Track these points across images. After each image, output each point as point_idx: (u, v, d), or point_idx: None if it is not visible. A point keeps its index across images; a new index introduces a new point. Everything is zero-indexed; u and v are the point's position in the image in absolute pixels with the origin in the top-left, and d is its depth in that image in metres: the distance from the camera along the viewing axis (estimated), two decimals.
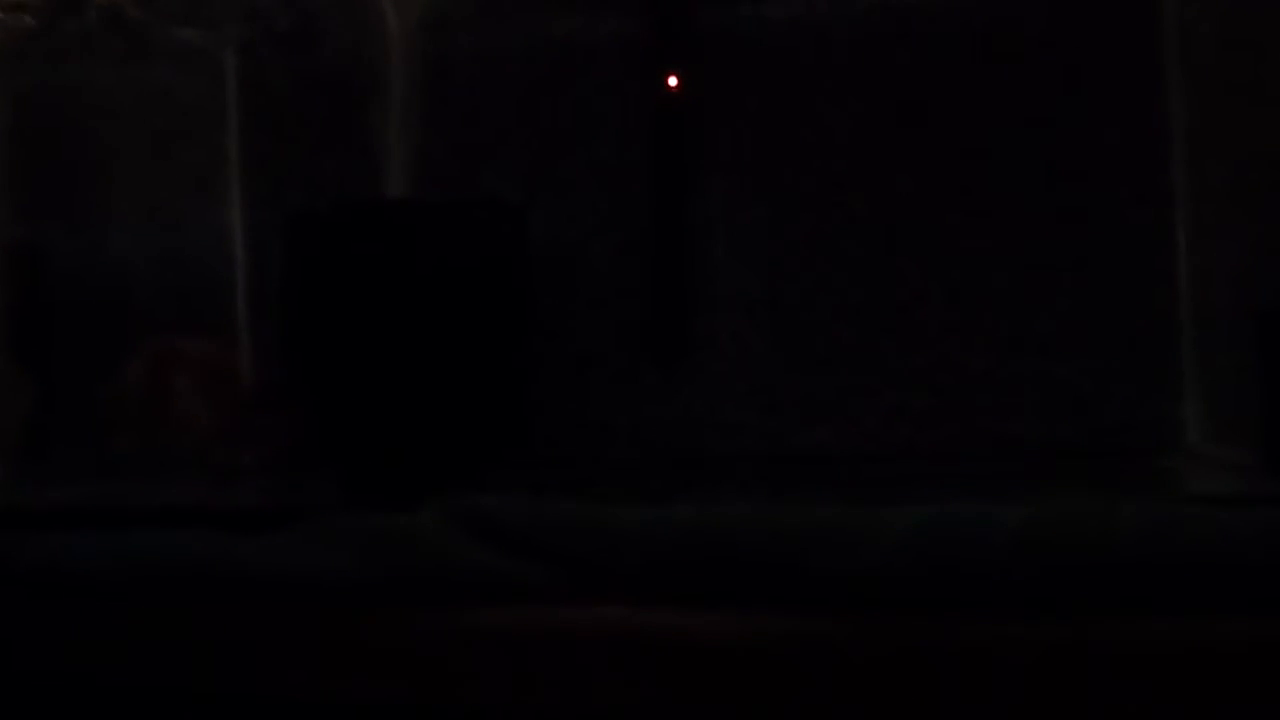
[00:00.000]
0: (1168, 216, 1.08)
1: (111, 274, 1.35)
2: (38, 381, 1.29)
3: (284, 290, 1.16)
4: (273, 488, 1.14)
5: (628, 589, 0.79)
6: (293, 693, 0.84)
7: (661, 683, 0.75)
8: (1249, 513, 0.71)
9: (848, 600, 0.74)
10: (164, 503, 1.09)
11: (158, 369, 1.18)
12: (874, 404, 1.15)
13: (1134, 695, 0.67)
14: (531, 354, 1.17)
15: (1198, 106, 1.07)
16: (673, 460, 1.19)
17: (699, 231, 1.20)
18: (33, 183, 1.34)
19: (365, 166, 1.26)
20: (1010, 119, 1.12)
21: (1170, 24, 1.08)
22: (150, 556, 0.89)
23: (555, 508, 0.84)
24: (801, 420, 1.17)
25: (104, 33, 1.33)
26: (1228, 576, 0.69)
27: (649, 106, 1.21)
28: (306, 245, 1.15)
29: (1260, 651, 0.66)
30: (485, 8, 1.25)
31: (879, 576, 0.74)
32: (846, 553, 0.75)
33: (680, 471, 1.18)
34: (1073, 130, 1.11)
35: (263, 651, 0.85)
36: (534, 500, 0.85)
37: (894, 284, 1.15)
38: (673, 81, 1.20)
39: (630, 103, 1.21)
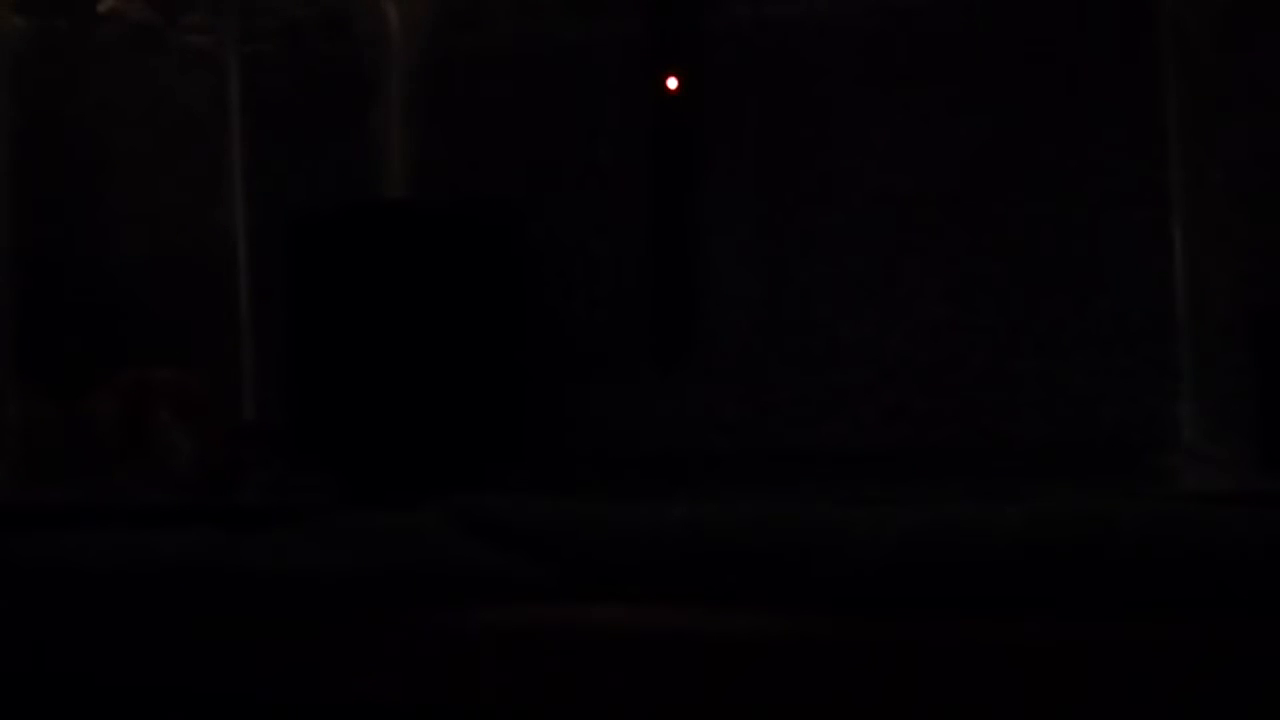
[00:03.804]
0: (1165, 217, 1.08)
1: (114, 275, 1.36)
2: (41, 383, 1.29)
3: (286, 290, 1.16)
4: (273, 488, 1.14)
5: (628, 589, 0.80)
6: (293, 693, 0.84)
7: (661, 682, 0.76)
8: (1246, 510, 0.71)
9: (848, 600, 0.74)
10: (164, 502, 1.09)
11: (136, 402, 1.17)
12: (873, 403, 1.15)
13: (1134, 693, 0.67)
14: (531, 354, 1.17)
15: (1196, 107, 1.07)
16: (673, 459, 1.19)
17: (699, 231, 1.20)
18: (37, 185, 1.35)
19: (365, 167, 1.26)
20: (1010, 119, 1.12)
21: (1169, 24, 1.08)
22: (150, 556, 0.89)
23: (555, 508, 0.84)
24: (801, 419, 1.17)
25: (109, 36, 1.33)
26: (1225, 573, 0.69)
27: (649, 106, 1.21)
28: (308, 246, 1.15)
29: (1258, 648, 0.66)
30: (485, 8, 1.25)
31: (879, 576, 0.74)
32: (846, 552, 0.75)
33: (680, 470, 1.18)
34: (1072, 130, 1.11)
35: (263, 651, 0.85)
36: (534, 500, 0.86)
37: (894, 284, 1.15)
38: (673, 82, 1.20)
39: (630, 103, 1.21)
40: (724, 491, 1.03)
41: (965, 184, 1.13)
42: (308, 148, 1.30)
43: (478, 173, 1.25)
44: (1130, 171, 1.09)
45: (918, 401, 1.14)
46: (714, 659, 0.75)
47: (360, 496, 1.01)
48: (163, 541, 0.90)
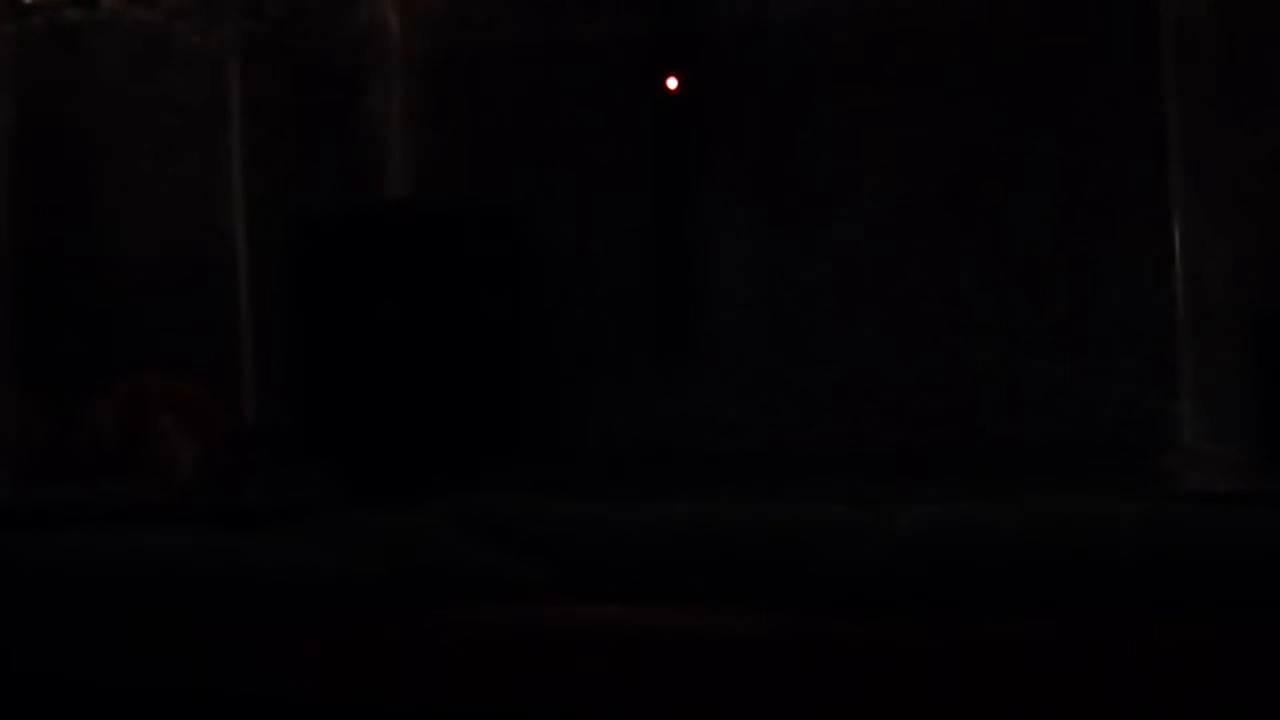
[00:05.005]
0: (1165, 217, 1.08)
1: (114, 275, 1.35)
2: (40, 385, 1.29)
3: (285, 290, 1.16)
4: (273, 488, 1.14)
5: (628, 589, 0.80)
6: (293, 693, 0.84)
7: (661, 682, 0.75)
8: (1245, 510, 0.71)
9: (848, 600, 0.74)
10: (164, 502, 1.09)
11: (137, 410, 1.16)
12: (873, 403, 1.15)
13: (1134, 692, 0.67)
14: (532, 354, 1.17)
15: (1195, 109, 1.07)
16: (673, 458, 1.19)
17: (699, 231, 1.20)
18: (37, 185, 1.34)
19: (365, 167, 1.26)
20: (1010, 119, 1.12)
21: (1169, 24, 1.08)
22: (150, 556, 0.89)
23: (555, 507, 0.84)
24: (801, 419, 1.17)
25: (109, 36, 1.33)
26: (1225, 573, 0.69)
27: (649, 106, 1.21)
28: (307, 246, 1.15)
29: (1258, 647, 0.66)
30: (486, 8, 1.25)
31: (879, 576, 0.74)
32: (846, 552, 0.75)
33: (681, 469, 1.18)
34: (1073, 130, 1.10)
35: (263, 651, 0.85)
36: (534, 500, 0.86)
37: (894, 283, 1.15)
38: (673, 82, 1.20)
39: (630, 103, 1.21)
40: (724, 491, 1.03)
41: (965, 183, 1.13)
42: (308, 147, 1.30)
43: (478, 172, 1.25)
44: (1130, 171, 1.09)
45: (918, 401, 1.14)
46: (714, 659, 0.75)
47: (360, 496, 1.01)
48: (163, 542, 0.90)
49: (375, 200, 1.24)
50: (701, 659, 0.75)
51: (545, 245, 1.20)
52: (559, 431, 1.22)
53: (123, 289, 1.35)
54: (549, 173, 1.24)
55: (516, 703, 0.78)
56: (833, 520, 0.77)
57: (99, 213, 1.37)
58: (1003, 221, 1.12)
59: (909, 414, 1.14)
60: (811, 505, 0.80)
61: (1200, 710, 0.66)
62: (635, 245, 1.21)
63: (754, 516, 0.79)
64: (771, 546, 0.77)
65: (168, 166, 1.35)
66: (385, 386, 1.09)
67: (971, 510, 0.75)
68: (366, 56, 1.27)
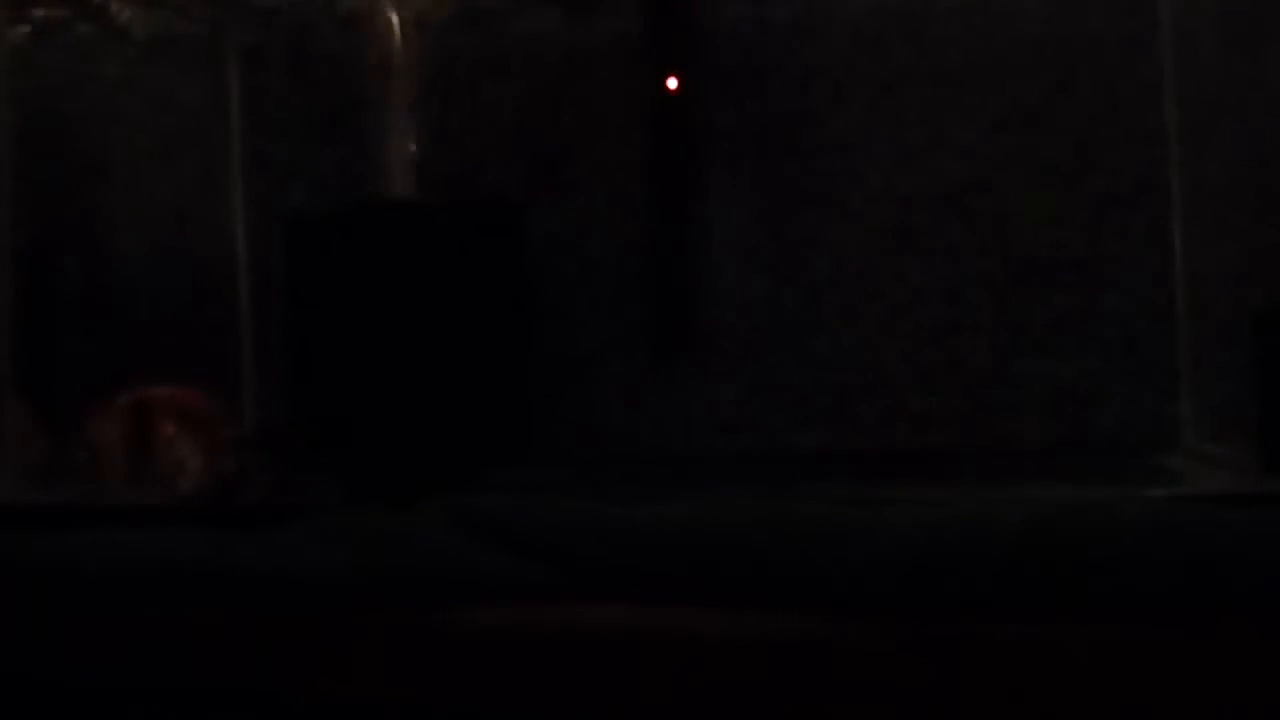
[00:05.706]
0: (1165, 217, 1.08)
1: (113, 276, 1.36)
2: (40, 389, 1.29)
3: (285, 290, 1.16)
4: (273, 489, 1.14)
5: (628, 589, 0.80)
6: (292, 692, 0.84)
7: (661, 682, 0.76)
8: (1246, 510, 0.71)
9: (848, 599, 0.74)
10: (163, 502, 1.09)
11: (139, 421, 1.16)
12: (873, 404, 1.15)
13: (1134, 692, 0.67)
14: (532, 354, 1.17)
15: (1195, 109, 1.07)
16: (673, 460, 1.19)
17: (699, 231, 1.20)
18: (37, 187, 1.35)
19: (365, 167, 1.26)
20: (1010, 119, 1.12)
21: (1170, 24, 1.08)
22: (150, 556, 0.89)
23: (555, 508, 0.84)
24: (801, 420, 1.17)
25: (109, 36, 1.33)
26: (1226, 573, 0.69)
27: (649, 106, 1.21)
28: (306, 246, 1.15)
29: (1258, 647, 0.66)
30: (486, 8, 1.25)
31: (880, 575, 0.74)
32: (846, 552, 0.75)
33: (680, 471, 1.18)
34: (1073, 131, 1.11)
35: (263, 651, 0.85)
36: (534, 500, 0.86)
37: (894, 284, 1.15)
38: (673, 82, 1.20)
39: (630, 103, 1.21)
40: (724, 491, 1.03)
41: (965, 184, 1.13)
42: (308, 147, 1.30)
43: (478, 173, 1.25)
44: (1130, 171, 1.09)
45: (917, 402, 1.14)
46: (714, 659, 0.75)
47: (360, 496, 1.01)
48: (163, 542, 0.90)
49: (375, 200, 1.24)
50: (701, 659, 0.75)
51: (545, 245, 1.20)
52: (559, 432, 1.22)
53: (120, 289, 1.35)
54: (549, 173, 1.24)
55: (517, 702, 0.79)
56: (833, 520, 0.77)
57: (99, 213, 1.37)
58: (1003, 221, 1.12)
59: (909, 414, 1.14)
60: (811, 505, 0.80)
61: (1200, 710, 0.66)
62: (635, 245, 1.22)
63: (754, 516, 0.79)
64: (771, 547, 0.77)
65: (168, 166, 1.36)
66: (385, 386, 1.09)
67: (971, 510, 0.75)
68: (367, 56, 1.27)
